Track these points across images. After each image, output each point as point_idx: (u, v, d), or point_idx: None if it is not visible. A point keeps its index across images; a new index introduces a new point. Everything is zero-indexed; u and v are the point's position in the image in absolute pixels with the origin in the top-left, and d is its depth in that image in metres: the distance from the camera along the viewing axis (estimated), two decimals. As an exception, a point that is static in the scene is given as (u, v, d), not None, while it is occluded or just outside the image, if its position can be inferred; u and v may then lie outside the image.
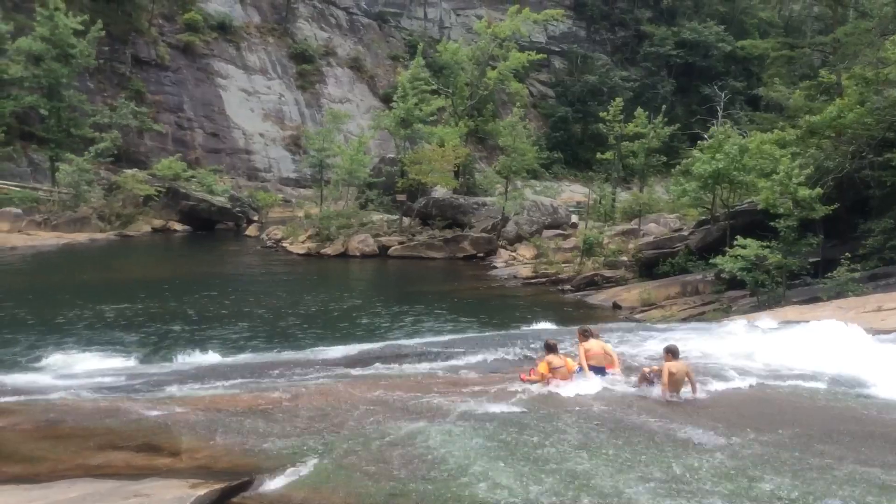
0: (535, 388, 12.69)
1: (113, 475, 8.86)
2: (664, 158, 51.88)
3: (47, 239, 41.60)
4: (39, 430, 10.95)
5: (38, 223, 43.15)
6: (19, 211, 43.13)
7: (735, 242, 25.00)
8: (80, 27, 49.50)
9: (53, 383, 15.05)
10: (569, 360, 13.43)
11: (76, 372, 16.86)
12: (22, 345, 20.15)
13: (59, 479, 8.86)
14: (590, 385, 12.84)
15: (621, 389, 12.95)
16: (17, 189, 46.51)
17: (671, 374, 12.09)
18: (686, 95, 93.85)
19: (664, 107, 55.47)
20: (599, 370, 13.42)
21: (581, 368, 13.40)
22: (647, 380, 12.71)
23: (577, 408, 11.61)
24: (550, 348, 13.15)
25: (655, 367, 12.86)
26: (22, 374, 16.48)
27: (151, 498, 7.64)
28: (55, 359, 18.50)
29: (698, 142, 35.72)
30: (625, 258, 33.24)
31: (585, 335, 13.68)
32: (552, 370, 12.84)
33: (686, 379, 12.30)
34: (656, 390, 12.40)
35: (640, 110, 50.88)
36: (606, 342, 14.51)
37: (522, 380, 13.30)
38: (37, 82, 48.24)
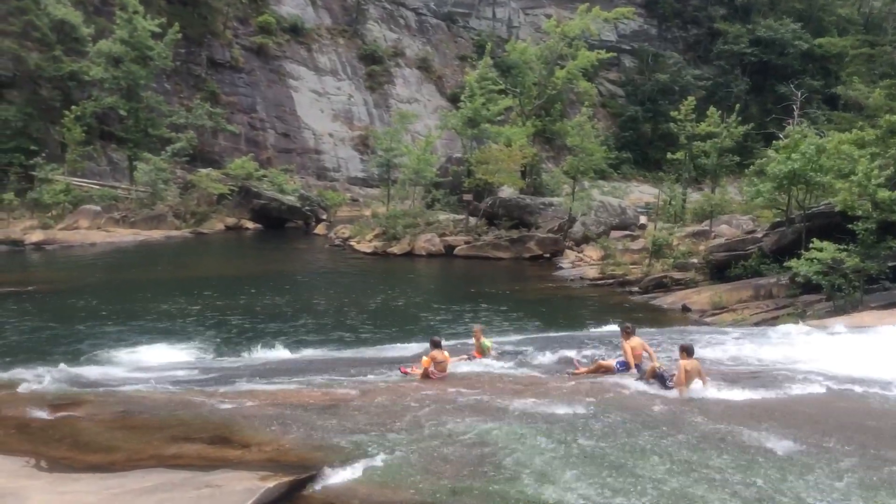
0: (596, 386, 12.62)
1: (185, 466, 9.10)
2: (737, 158, 50.62)
3: (125, 236, 43.05)
4: (115, 421, 11.37)
5: (116, 220, 44.70)
6: (99, 208, 44.76)
7: (811, 245, 24.24)
8: (158, 30, 50.97)
9: (128, 376, 15.61)
10: (449, 355, 14.86)
11: (150, 365, 17.43)
12: (99, 338, 20.88)
13: (134, 469, 9.12)
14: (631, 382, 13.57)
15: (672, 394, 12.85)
16: (97, 187, 48.23)
17: (686, 372, 12.86)
18: (760, 94, 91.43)
19: (738, 106, 54.12)
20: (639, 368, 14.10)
21: (625, 364, 14.07)
22: (655, 375, 13.29)
23: (645, 411, 11.45)
24: (435, 344, 14.39)
25: (657, 364, 13.62)
26: (98, 366, 17.13)
27: (223, 489, 7.83)
28: (130, 352, 19.16)
29: (773, 141, 34.70)
30: (695, 260, 32.53)
31: (628, 333, 14.24)
32: (435, 364, 14.05)
33: (697, 376, 13.06)
34: (671, 390, 12.90)
35: (712, 109, 49.77)
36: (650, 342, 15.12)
37: (403, 372, 14.47)
38: (116, 84, 49.82)
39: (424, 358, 14.25)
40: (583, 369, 14.72)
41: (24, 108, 47.51)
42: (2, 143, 45.65)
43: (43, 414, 11.71)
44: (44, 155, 45.35)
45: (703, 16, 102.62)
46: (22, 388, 13.84)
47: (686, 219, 46.15)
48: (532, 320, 24.30)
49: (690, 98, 50.52)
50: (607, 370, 14.30)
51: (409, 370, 14.73)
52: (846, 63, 60.42)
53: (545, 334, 20.56)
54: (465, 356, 16.13)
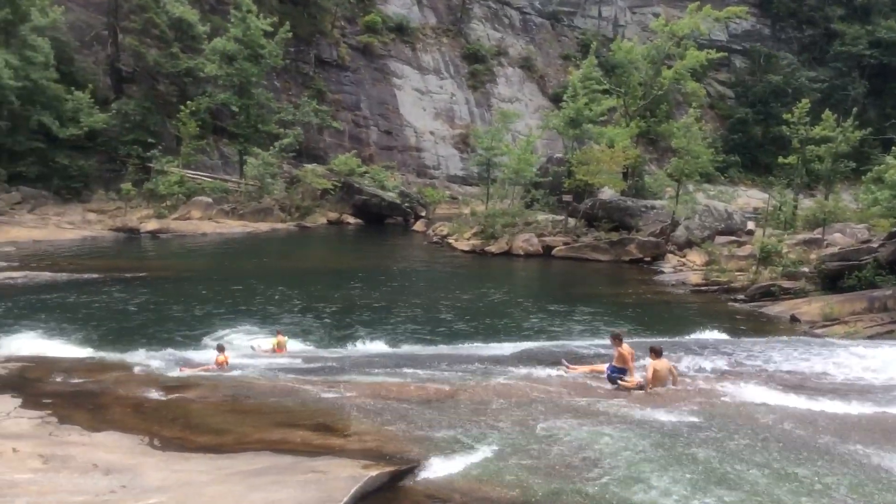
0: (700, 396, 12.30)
1: (290, 451, 9.39)
2: (853, 164, 48.40)
3: (234, 227, 44.70)
4: (224, 405, 11.85)
5: (226, 212, 46.45)
6: (210, 200, 46.61)
7: (933, 257, 22.94)
8: (270, 29, 52.56)
9: (236, 361, 16.21)
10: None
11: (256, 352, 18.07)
12: (208, 323, 21.77)
13: (242, 451, 9.48)
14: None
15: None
16: (209, 180, 50.17)
17: (656, 371, 13.57)
18: (879, 98, 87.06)
19: (855, 109, 51.70)
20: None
21: (617, 370, 14.14)
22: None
23: (751, 420, 11.09)
24: (221, 349, 16.18)
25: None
26: (208, 351, 17.86)
27: (327, 475, 8.04)
28: (237, 338, 19.90)
29: (893, 147, 32.98)
30: (805, 269, 31.22)
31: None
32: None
33: (669, 376, 13.84)
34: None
35: (827, 113, 47.72)
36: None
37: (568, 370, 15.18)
38: (229, 80, 51.62)
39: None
40: (579, 368, 15.33)
41: (142, 102, 49.84)
42: (121, 136, 48.03)
43: (157, 395, 12.32)
44: (160, 148, 47.49)
45: (819, 16, 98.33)
46: (137, 370, 14.59)
47: (797, 226, 44.38)
48: (630, 325, 23.88)
49: (804, 101, 48.50)
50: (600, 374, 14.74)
51: (573, 368, 15.08)
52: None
53: (645, 340, 20.17)
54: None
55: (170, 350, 17.50)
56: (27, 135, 43.01)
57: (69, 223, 41.05)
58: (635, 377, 13.86)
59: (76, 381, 13.21)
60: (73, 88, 45.10)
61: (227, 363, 15.72)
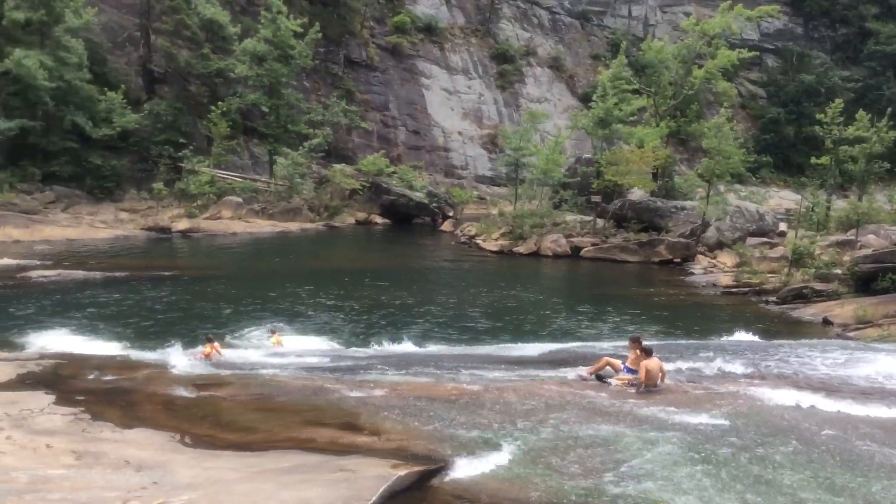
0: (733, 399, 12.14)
1: (319, 450, 9.44)
2: (887, 165, 47.61)
3: (263, 227, 45.04)
4: (253, 403, 11.95)
5: (256, 212, 46.80)
6: (240, 200, 47.00)
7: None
8: (300, 29, 52.80)
9: (264, 360, 16.37)
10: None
11: (284, 351, 18.19)
12: (238, 322, 21.93)
13: (270, 450, 9.55)
14: None
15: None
16: (239, 180, 50.58)
17: (648, 370, 13.89)
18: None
19: (889, 109, 50.73)
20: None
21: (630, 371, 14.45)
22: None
23: (779, 422, 10.94)
24: (210, 340, 16.62)
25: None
26: (236, 350, 18.03)
27: (356, 474, 8.07)
28: (266, 337, 20.03)
29: (930, 148, 32.40)
30: (838, 271, 30.73)
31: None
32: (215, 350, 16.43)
33: (660, 373, 14.17)
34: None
35: (861, 113, 47.00)
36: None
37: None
38: (259, 81, 51.97)
39: (207, 346, 16.53)
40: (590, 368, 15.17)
41: (174, 102, 50.39)
42: (153, 136, 48.57)
43: (187, 393, 12.45)
44: (191, 148, 47.95)
45: (853, 14, 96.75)
46: (169, 368, 14.75)
47: (829, 227, 43.74)
48: (659, 326, 23.69)
49: (838, 100, 47.81)
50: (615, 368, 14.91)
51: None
52: None
53: (674, 342, 20.01)
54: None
55: (202, 348, 17.67)
56: (61, 135, 43.65)
57: (102, 222, 41.61)
58: (626, 375, 14.30)
59: (108, 378, 13.39)
60: (105, 89, 45.68)
61: (210, 356, 16.07)
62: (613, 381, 14.35)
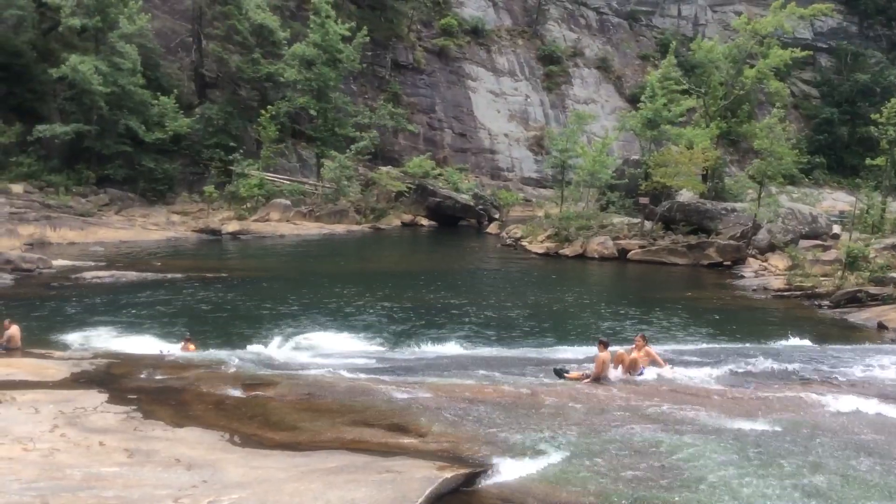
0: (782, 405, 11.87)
1: (365, 450, 9.46)
2: (946, 166, 46.15)
3: (311, 229, 45.50)
4: (301, 403, 12.01)
5: (303, 214, 47.32)
6: (288, 202, 47.57)
7: None
8: (348, 33, 53.25)
9: (311, 360, 16.49)
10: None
11: (331, 351, 18.35)
12: (286, 322, 22.18)
13: (318, 449, 9.59)
14: None
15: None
16: (288, 182, 51.19)
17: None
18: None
19: (948, 109, 49.30)
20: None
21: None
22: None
23: (843, 430, 10.64)
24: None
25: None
26: (285, 350, 18.21)
27: (403, 475, 8.06)
28: (313, 337, 20.21)
29: None
30: (894, 275, 29.94)
31: (604, 345, 14.82)
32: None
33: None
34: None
35: (918, 112, 45.68)
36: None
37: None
38: (308, 85, 52.53)
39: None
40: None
41: (225, 107, 51.25)
42: (204, 140, 49.47)
43: (236, 392, 12.58)
44: (241, 151, 48.73)
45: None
46: (223, 367, 14.94)
47: (885, 229, 42.59)
48: (708, 330, 23.30)
49: (894, 100, 46.54)
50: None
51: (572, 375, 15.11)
52: None
53: (725, 346, 19.66)
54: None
55: (250, 348, 17.91)
56: (115, 139, 44.68)
57: (154, 224, 42.46)
58: (576, 372, 15.10)
59: (160, 377, 13.62)
60: (158, 94, 46.66)
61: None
62: (567, 377, 14.95)
